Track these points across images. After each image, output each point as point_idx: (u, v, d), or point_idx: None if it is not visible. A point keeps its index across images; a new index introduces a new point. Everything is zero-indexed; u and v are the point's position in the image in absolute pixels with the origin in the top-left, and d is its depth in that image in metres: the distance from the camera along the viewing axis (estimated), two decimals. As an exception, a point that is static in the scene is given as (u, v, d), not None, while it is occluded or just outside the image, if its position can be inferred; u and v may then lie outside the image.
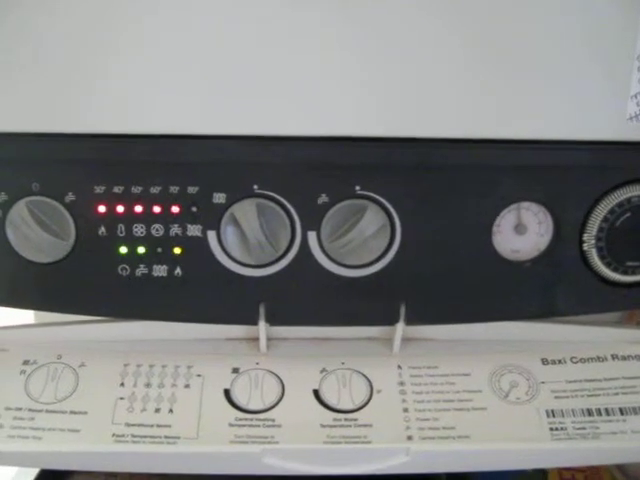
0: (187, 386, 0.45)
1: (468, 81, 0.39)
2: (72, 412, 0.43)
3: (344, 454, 0.42)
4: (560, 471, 0.58)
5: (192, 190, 0.41)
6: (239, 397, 0.44)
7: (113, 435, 0.42)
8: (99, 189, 0.41)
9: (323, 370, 0.46)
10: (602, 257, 0.43)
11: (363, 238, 0.42)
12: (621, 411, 0.44)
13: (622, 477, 0.57)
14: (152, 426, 0.42)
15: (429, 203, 0.42)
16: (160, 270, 0.43)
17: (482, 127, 0.40)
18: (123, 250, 0.42)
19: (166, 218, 0.42)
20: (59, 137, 0.40)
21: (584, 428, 0.43)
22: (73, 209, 0.41)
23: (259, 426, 0.43)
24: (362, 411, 0.44)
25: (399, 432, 0.43)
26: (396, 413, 0.44)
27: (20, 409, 0.43)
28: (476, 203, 0.42)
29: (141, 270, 0.43)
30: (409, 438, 0.42)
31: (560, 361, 0.47)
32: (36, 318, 0.53)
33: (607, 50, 0.39)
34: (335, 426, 0.43)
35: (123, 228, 0.42)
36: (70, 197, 0.41)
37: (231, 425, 0.43)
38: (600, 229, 0.43)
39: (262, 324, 0.44)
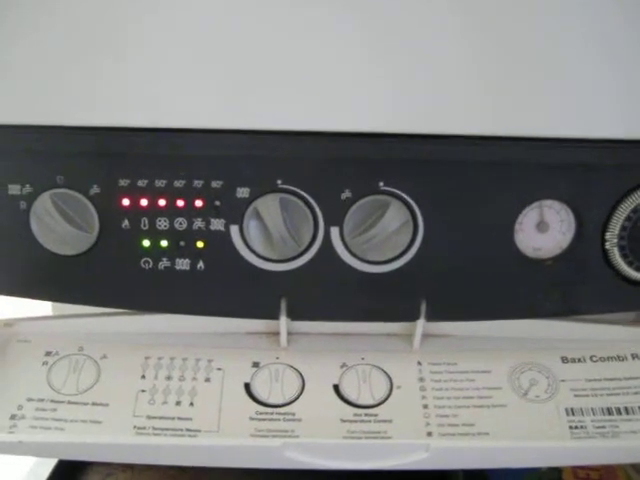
0: (208, 379, 0.45)
1: (491, 78, 0.39)
2: (94, 404, 0.43)
3: (364, 449, 0.42)
4: (575, 470, 0.58)
5: (216, 184, 0.41)
6: (259, 391, 0.44)
7: (134, 427, 0.42)
8: (123, 182, 0.41)
9: (343, 365, 0.46)
10: (624, 256, 0.43)
11: (386, 234, 0.42)
12: (641, 410, 0.44)
13: (637, 476, 0.57)
14: (173, 419, 0.43)
15: (452, 200, 0.42)
16: (183, 264, 0.43)
17: (505, 124, 0.40)
18: (146, 243, 0.42)
19: (189, 212, 0.42)
20: (84, 130, 0.40)
21: (604, 427, 0.43)
22: (97, 202, 0.42)
23: (279, 420, 0.43)
24: (382, 406, 0.44)
25: (419, 428, 0.43)
26: (416, 409, 0.44)
27: (42, 400, 0.43)
28: (499, 200, 0.42)
29: (164, 263, 0.43)
30: (429, 434, 0.42)
31: (580, 359, 0.47)
32: (54, 310, 0.53)
33: (632, 47, 0.39)
34: (355, 421, 0.43)
35: (146, 221, 0.42)
36: (94, 190, 0.41)
37: (252, 419, 0.43)
38: (623, 228, 0.43)
39: (283, 318, 0.44)
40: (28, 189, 0.41)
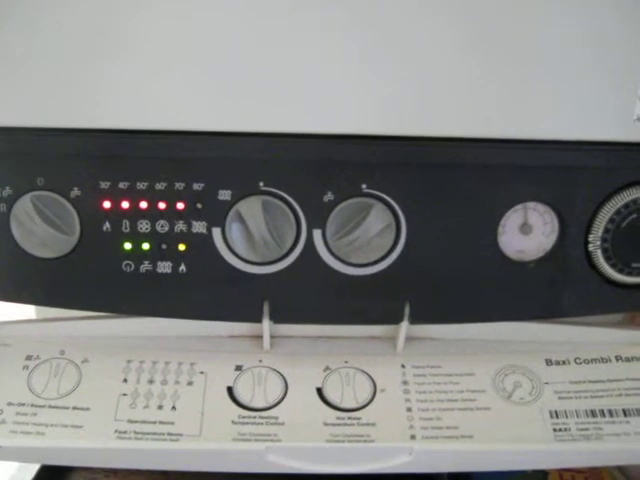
0: (190, 383, 0.44)
1: (476, 80, 0.39)
2: (75, 408, 0.43)
3: (347, 453, 0.42)
4: (560, 472, 0.57)
5: (197, 187, 0.41)
6: (242, 395, 0.44)
7: (116, 431, 0.42)
8: (104, 184, 0.41)
9: (326, 368, 0.46)
10: (607, 258, 0.43)
11: (368, 236, 0.42)
12: (624, 412, 0.44)
13: (623, 479, 0.57)
14: (155, 423, 0.42)
15: (435, 202, 0.42)
16: (164, 267, 0.43)
17: (489, 127, 0.40)
18: (127, 246, 0.42)
19: (171, 214, 0.41)
20: (65, 132, 0.39)
21: (587, 429, 0.43)
22: (78, 204, 0.41)
23: (262, 424, 0.43)
24: (365, 410, 0.44)
25: (402, 431, 0.42)
26: (399, 412, 0.43)
27: (23, 404, 0.43)
28: (482, 203, 0.42)
29: (145, 266, 0.43)
30: (412, 437, 0.42)
31: (564, 362, 0.47)
32: (37, 313, 0.53)
33: (615, 50, 0.39)
34: (338, 425, 0.43)
35: (128, 224, 0.42)
36: (75, 192, 0.41)
37: (234, 423, 0.42)
38: (606, 230, 0.43)
39: (266, 322, 0.44)
40: (8, 191, 0.41)
